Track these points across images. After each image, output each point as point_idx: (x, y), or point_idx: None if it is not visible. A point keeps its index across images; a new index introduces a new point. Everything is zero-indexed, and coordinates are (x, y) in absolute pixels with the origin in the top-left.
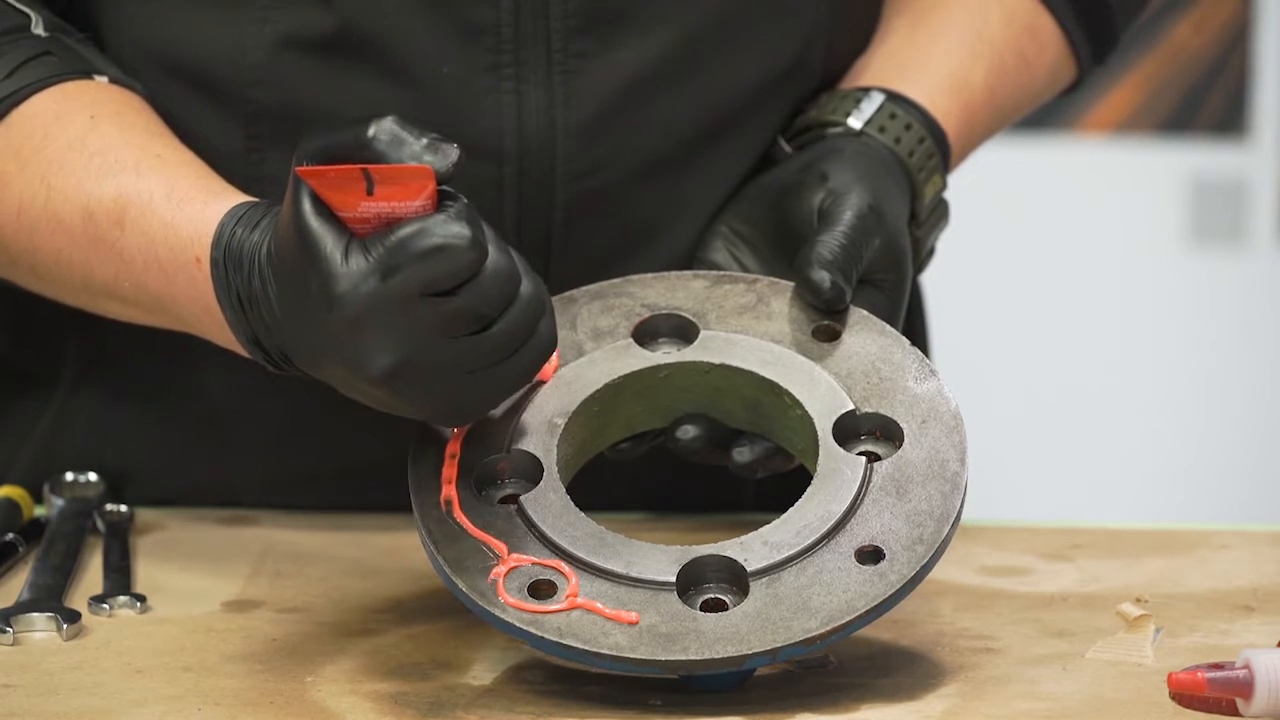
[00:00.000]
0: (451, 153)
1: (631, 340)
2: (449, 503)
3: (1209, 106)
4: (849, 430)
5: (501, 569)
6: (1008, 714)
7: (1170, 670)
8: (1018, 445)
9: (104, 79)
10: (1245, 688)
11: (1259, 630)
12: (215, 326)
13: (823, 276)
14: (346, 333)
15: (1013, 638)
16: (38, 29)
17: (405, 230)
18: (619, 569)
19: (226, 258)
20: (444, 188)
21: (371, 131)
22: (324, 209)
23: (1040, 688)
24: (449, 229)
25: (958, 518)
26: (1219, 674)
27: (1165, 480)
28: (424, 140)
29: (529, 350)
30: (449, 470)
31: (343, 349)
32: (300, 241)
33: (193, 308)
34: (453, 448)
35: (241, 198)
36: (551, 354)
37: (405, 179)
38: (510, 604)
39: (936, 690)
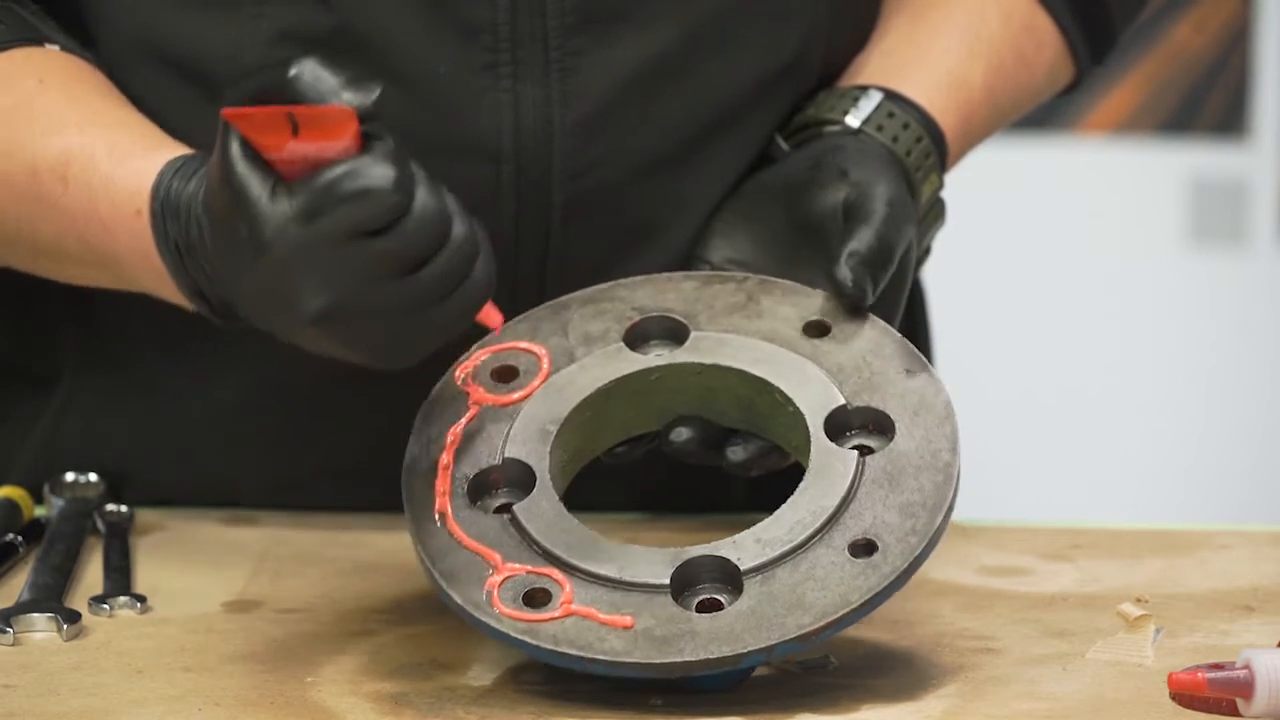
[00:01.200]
0: (373, 90)
1: (622, 344)
2: (442, 515)
3: (1209, 107)
4: (840, 425)
5: (496, 579)
6: (1008, 714)
7: (1170, 670)
8: (1018, 445)
9: (54, 47)
10: (1245, 688)
11: (1259, 630)
12: (158, 280)
13: (846, 275)
14: (277, 276)
15: (1013, 638)
16: None
17: (330, 173)
18: (612, 574)
19: (165, 209)
20: (371, 127)
21: (293, 71)
22: (252, 152)
23: (1040, 688)
24: (373, 170)
25: (950, 507)
26: (1219, 674)
27: (1165, 480)
28: (343, 77)
29: (463, 293)
30: (442, 483)
31: (275, 293)
32: (229, 186)
33: (135, 260)
34: (445, 459)
35: (182, 149)
36: (488, 297)
37: (328, 120)
38: (505, 614)
39: (936, 690)
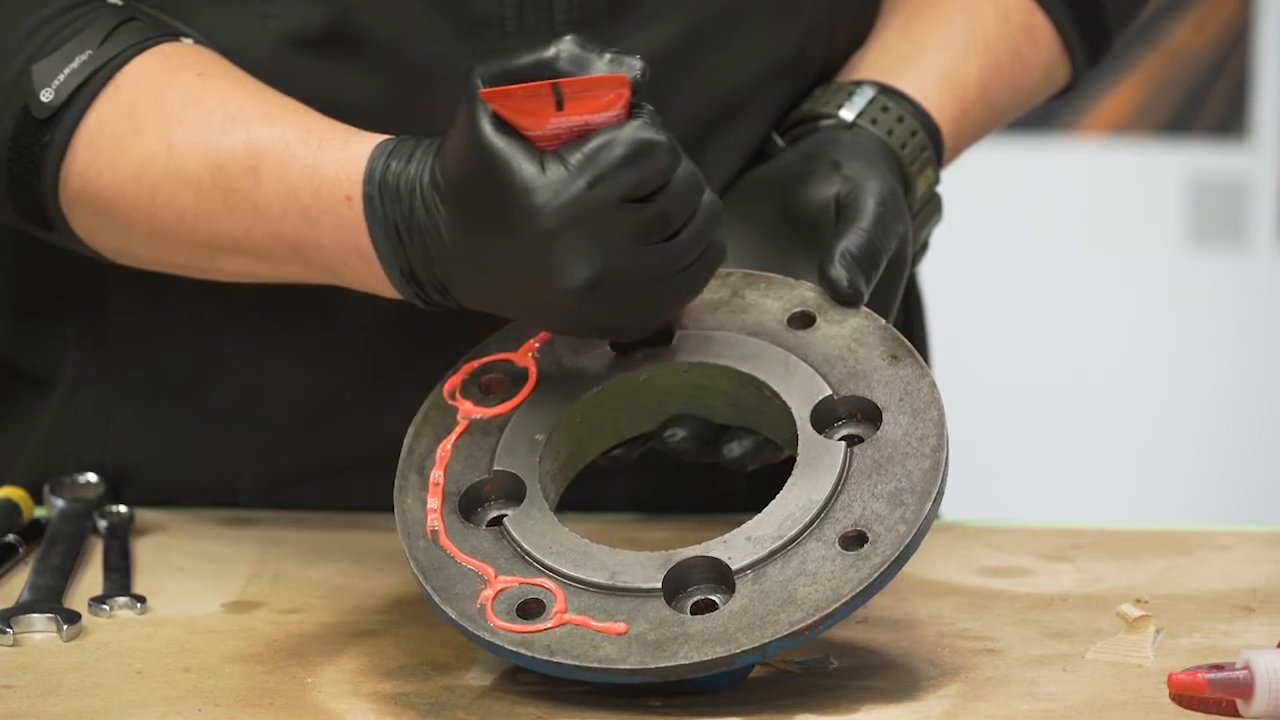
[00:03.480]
0: (637, 63)
1: (609, 348)
2: (435, 532)
3: (1209, 107)
4: (827, 415)
5: (489, 592)
6: (1008, 715)
7: (1170, 671)
8: (1018, 445)
9: (189, 40)
10: (1245, 688)
11: (1259, 631)
12: (362, 265)
13: (841, 274)
14: (545, 244)
15: (1013, 639)
16: None
17: (602, 138)
18: (604, 580)
19: (382, 191)
20: (636, 97)
21: (553, 51)
22: (506, 127)
23: (1040, 688)
24: (646, 134)
25: (940, 493)
26: (1219, 675)
27: (1165, 480)
28: (607, 56)
29: (707, 258)
30: (433, 499)
31: (539, 262)
32: (483, 160)
33: (338, 250)
34: (436, 475)
35: (380, 137)
36: (721, 263)
37: (600, 90)
38: (499, 626)
39: (936, 691)
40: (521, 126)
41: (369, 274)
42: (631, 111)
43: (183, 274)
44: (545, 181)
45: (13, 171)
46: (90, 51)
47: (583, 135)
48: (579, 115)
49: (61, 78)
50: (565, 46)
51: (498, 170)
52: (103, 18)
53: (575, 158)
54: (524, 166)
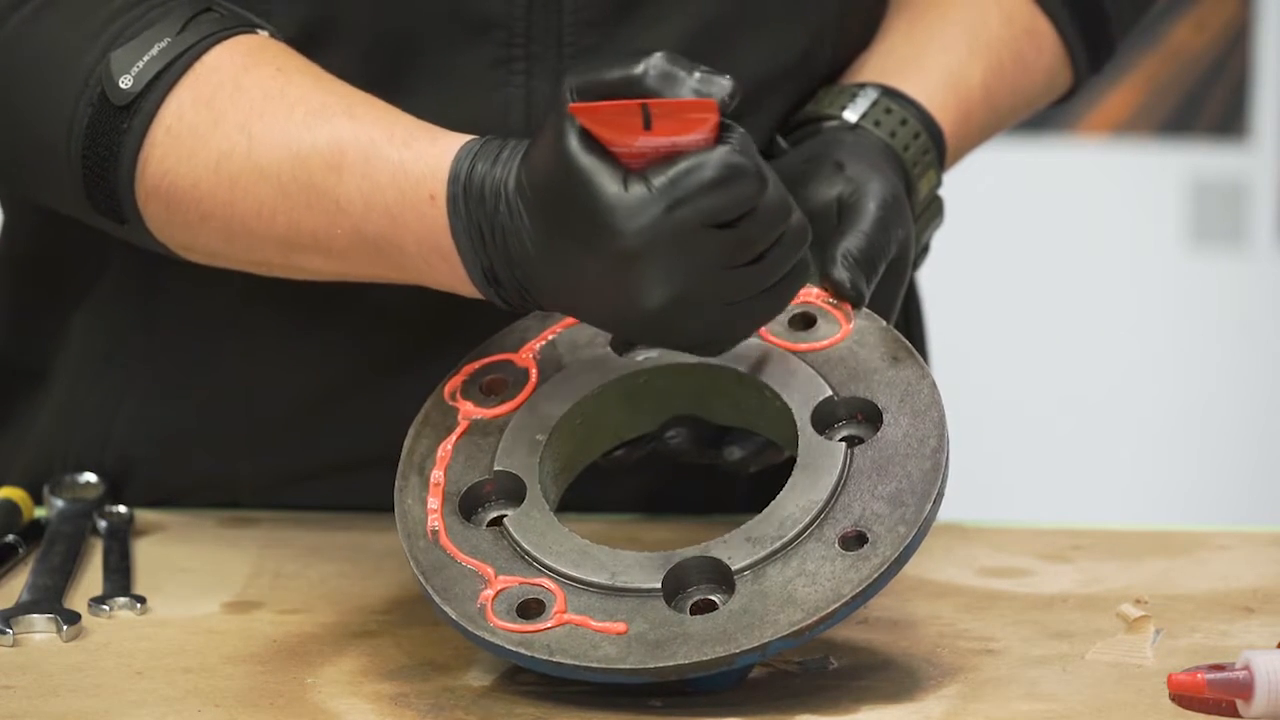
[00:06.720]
0: (726, 84)
1: (609, 349)
2: (435, 532)
3: (1209, 107)
4: (828, 416)
5: (489, 592)
6: (1008, 715)
7: (1170, 671)
8: (1018, 446)
9: (264, 33)
10: (1245, 689)
11: (1259, 631)
12: (444, 265)
13: (843, 276)
14: (623, 265)
15: (1013, 639)
16: None
17: (689, 161)
18: (604, 580)
19: (466, 192)
20: (723, 120)
21: (640, 69)
22: (593, 143)
23: (1040, 689)
24: (733, 159)
25: (940, 494)
26: (1219, 675)
27: (1165, 481)
28: (696, 74)
29: (789, 281)
30: (434, 499)
31: (619, 280)
32: (568, 175)
33: (419, 248)
34: (436, 476)
35: (465, 137)
36: (805, 284)
37: (688, 112)
38: (499, 626)
39: (936, 691)
40: (608, 142)
41: (449, 274)
42: (721, 135)
43: (255, 271)
44: (627, 202)
45: (88, 161)
46: (169, 39)
47: (670, 156)
48: (666, 137)
49: (140, 64)
50: (654, 63)
51: (581, 186)
52: (180, 7)
53: (659, 180)
54: (607, 185)
